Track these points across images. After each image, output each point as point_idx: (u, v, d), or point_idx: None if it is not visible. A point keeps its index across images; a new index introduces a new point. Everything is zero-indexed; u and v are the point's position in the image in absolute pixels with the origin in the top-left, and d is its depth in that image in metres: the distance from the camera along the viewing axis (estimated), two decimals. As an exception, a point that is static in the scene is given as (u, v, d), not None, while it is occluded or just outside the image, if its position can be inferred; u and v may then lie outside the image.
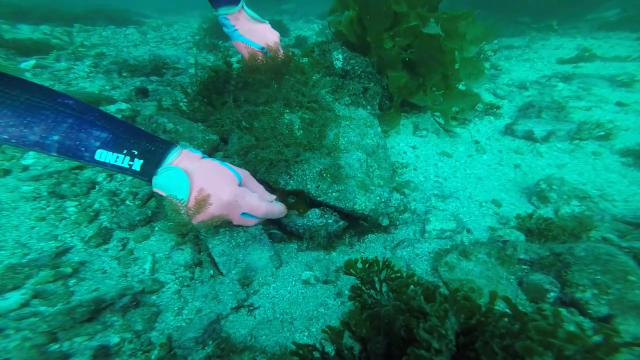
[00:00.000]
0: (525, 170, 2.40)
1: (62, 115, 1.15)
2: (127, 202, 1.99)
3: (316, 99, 2.33)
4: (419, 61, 2.59)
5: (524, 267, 1.59)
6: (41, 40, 5.21)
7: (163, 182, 1.26)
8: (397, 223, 2.17)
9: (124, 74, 4.22)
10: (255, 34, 2.24)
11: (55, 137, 1.14)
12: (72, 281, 1.55)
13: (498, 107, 3.02)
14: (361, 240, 2.21)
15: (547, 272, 1.50)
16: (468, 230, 1.89)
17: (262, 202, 1.50)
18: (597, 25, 5.21)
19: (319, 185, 1.97)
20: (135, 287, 1.57)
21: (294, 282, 1.87)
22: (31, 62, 4.08)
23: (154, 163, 1.25)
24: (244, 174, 1.53)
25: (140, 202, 1.98)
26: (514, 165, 2.46)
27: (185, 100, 2.82)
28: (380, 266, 1.33)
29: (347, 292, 1.86)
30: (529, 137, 2.59)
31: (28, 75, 3.76)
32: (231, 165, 1.42)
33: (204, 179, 1.33)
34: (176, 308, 1.58)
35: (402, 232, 2.10)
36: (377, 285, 1.37)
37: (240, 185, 1.49)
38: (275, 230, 2.20)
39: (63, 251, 1.65)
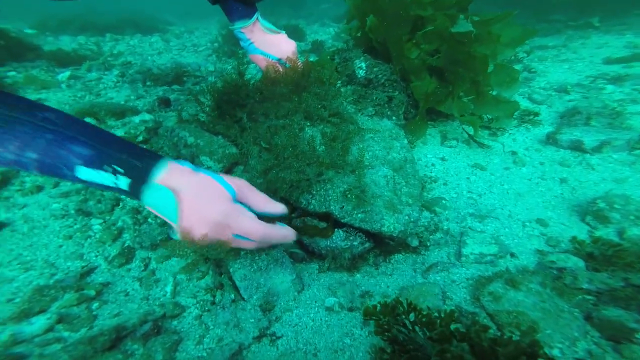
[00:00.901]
0: (573, 185, 2.18)
1: (40, 130, 1.05)
2: (150, 219, 1.99)
3: (338, 111, 2.24)
4: (446, 67, 2.44)
5: (587, 297, 1.42)
6: (76, 51, 5.46)
7: (152, 202, 1.15)
8: (428, 244, 2.03)
9: (148, 83, 4.31)
10: (271, 45, 2.19)
11: (33, 155, 1.05)
12: (95, 304, 1.55)
13: (536, 114, 2.79)
14: (387, 261, 2.10)
15: (626, 307, 1.33)
16: (512, 255, 1.72)
17: (258, 225, 1.25)
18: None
19: (343, 206, 1.88)
20: (156, 312, 1.55)
21: (317, 309, 1.79)
22: (67, 74, 4.26)
23: (142, 180, 1.14)
24: (239, 185, 1.31)
25: (161, 220, 1.97)
26: (560, 179, 2.24)
27: (203, 111, 2.81)
28: (406, 308, 1.22)
29: (363, 317, 1.75)
30: (576, 147, 2.36)
31: (63, 87, 3.92)
32: (225, 178, 1.23)
33: (193, 197, 1.16)
34: (197, 336, 1.54)
35: (434, 254, 1.96)
36: (409, 325, 1.26)
37: (235, 199, 1.29)
38: (297, 249, 2.13)
39: (88, 271, 1.66)
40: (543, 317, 1.33)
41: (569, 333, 1.26)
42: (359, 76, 2.42)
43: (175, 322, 1.57)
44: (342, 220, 1.89)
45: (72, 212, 1.95)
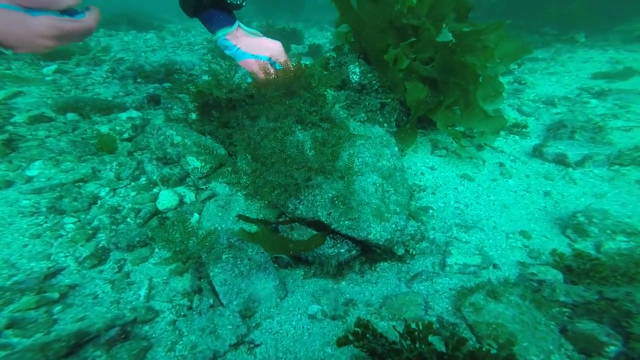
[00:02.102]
0: (556, 198, 2.19)
1: None
2: (129, 219, 1.90)
3: (329, 116, 2.20)
4: (438, 76, 2.43)
5: (564, 310, 1.39)
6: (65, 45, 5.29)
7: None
8: (414, 252, 2.00)
9: (139, 80, 4.21)
10: (259, 47, 2.15)
11: None
12: (57, 308, 1.44)
13: (525, 126, 2.81)
14: (373, 269, 2.05)
15: (599, 320, 1.31)
16: (495, 266, 1.70)
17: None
18: (631, 38, 4.90)
19: (331, 213, 1.83)
20: (126, 317, 1.46)
21: (299, 316, 1.73)
22: (52, 67, 4.12)
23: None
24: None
25: (141, 220, 1.88)
26: (544, 192, 2.25)
27: (195, 110, 2.75)
28: (376, 335, 1.18)
29: (337, 346, 1.70)
30: (560, 161, 2.38)
31: (48, 80, 3.79)
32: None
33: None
34: (169, 342, 1.46)
35: (419, 263, 1.93)
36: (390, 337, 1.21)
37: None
38: (282, 254, 2.06)
39: (54, 273, 1.56)
40: (521, 329, 1.30)
41: (545, 346, 1.23)
42: (353, 81, 2.40)
43: (146, 328, 1.48)
44: (331, 227, 1.84)
45: (44, 209, 1.84)
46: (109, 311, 1.45)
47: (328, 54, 2.78)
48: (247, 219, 1.84)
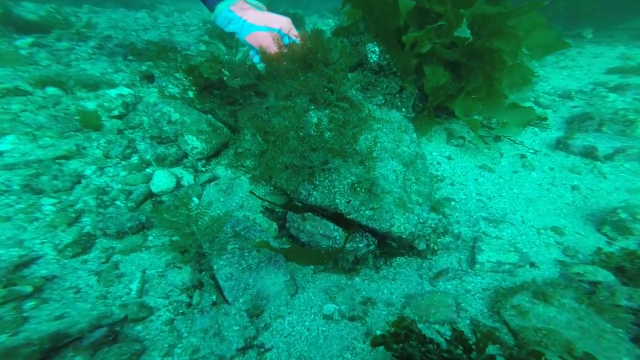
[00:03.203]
0: (585, 193, 2.04)
1: None
2: (118, 202, 1.65)
3: (346, 96, 1.99)
4: (461, 61, 2.24)
5: (625, 316, 1.23)
6: (44, 19, 4.89)
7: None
8: (436, 248, 1.82)
9: (130, 58, 3.91)
10: (267, 19, 1.92)
11: None
12: (29, 303, 1.20)
13: (544, 118, 2.67)
14: (388, 264, 1.86)
15: None
16: (532, 264, 1.54)
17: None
18: (639, 35, 4.85)
19: (350, 201, 1.62)
20: (115, 315, 1.23)
21: (312, 316, 1.53)
22: (28, 40, 3.76)
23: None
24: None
25: (133, 204, 1.64)
26: (572, 186, 2.10)
27: (193, 88, 2.49)
28: (422, 338, 0.99)
29: (378, 332, 1.51)
30: (588, 154, 2.23)
31: (23, 53, 3.44)
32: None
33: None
34: (166, 345, 1.24)
35: (442, 260, 1.75)
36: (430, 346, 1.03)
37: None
38: (287, 245, 1.85)
39: (26, 262, 1.31)
40: (581, 337, 1.13)
41: (617, 357, 1.07)
42: (372, 61, 2.18)
43: (139, 328, 1.26)
44: (348, 217, 1.63)
45: (16, 188, 1.57)
46: (94, 308, 1.21)
47: (337, 28, 2.54)
48: (261, 198, 1.60)
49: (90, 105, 2.48)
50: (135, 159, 1.96)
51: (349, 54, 1.90)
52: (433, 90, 2.38)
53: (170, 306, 1.33)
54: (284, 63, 1.89)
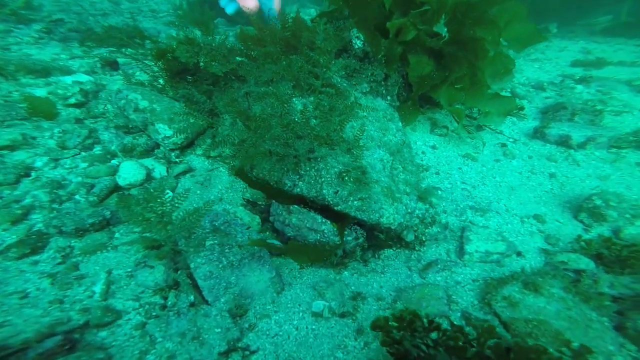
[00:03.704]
0: (561, 180, 2.11)
1: None
2: (77, 196, 1.47)
3: (331, 82, 1.91)
4: (446, 50, 2.23)
5: (609, 304, 1.24)
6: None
7: None
8: (424, 238, 1.79)
9: (88, 44, 3.60)
10: None
11: None
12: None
13: (522, 108, 2.74)
14: (376, 256, 1.81)
15: None
16: (519, 254, 1.54)
17: None
18: (595, 31, 5.17)
19: (338, 191, 1.54)
20: (73, 321, 1.08)
21: (301, 314, 1.44)
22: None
23: None
24: None
25: (96, 198, 1.46)
26: (549, 174, 2.16)
27: (164, 74, 2.30)
28: (426, 324, 0.94)
29: (370, 329, 1.45)
30: (563, 142, 2.31)
31: None
32: None
33: None
34: (137, 352, 1.10)
35: (431, 251, 1.72)
36: (430, 342, 0.97)
37: None
38: (275, 240, 1.75)
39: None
40: (569, 326, 1.13)
41: (603, 346, 1.07)
42: (356, 47, 2.11)
43: (103, 334, 1.11)
44: (336, 208, 1.55)
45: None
46: (47, 314, 1.05)
47: (319, 13, 2.45)
48: (247, 180, 1.48)
49: (40, 92, 2.23)
50: (97, 149, 1.77)
51: (334, 37, 1.81)
52: (418, 79, 2.35)
53: (141, 309, 1.20)
54: (269, 41, 1.77)
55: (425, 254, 1.72)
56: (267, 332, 1.31)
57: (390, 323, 0.93)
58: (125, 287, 1.25)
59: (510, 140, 2.47)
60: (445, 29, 2.26)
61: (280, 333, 1.32)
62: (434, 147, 2.36)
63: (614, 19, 5.49)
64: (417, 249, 1.77)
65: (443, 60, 2.31)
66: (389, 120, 2.02)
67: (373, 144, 1.82)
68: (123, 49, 3.65)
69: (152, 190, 1.54)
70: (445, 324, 1.20)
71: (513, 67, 2.31)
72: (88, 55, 3.33)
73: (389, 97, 2.24)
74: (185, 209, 1.37)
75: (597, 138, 2.18)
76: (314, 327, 1.37)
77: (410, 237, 1.77)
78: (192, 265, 1.30)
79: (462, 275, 1.51)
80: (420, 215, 1.88)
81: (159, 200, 1.27)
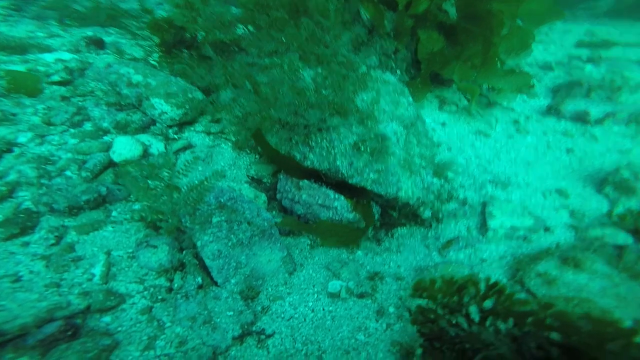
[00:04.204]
0: (580, 155, 2.08)
1: None
2: (68, 172, 1.37)
3: (341, 53, 1.82)
4: (459, 25, 2.16)
5: None
6: None
7: None
8: (440, 215, 1.74)
9: (68, 22, 3.46)
10: None
11: None
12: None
13: (532, 86, 2.70)
14: (390, 235, 1.76)
15: None
16: (547, 229, 1.49)
17: None
18: (598, 13, 5.17)
19: (352, 162, 1.47)
20: (73, 305, 0.99)
21: (316, 295, 1.38)
22: None
23: None
24: None
25: (89, 173, 1.36)
26: (566, 149, 2.13)
27: (157, 49, 2.19)
28: (482, 290, 0.88)
29: (391, 309, 1.40)
30: (580, 118, 2.28)
31: None
32: None
33: None
34: (145, 338, 1.03)
35: (449, 228, 1.67)
36: (475, 315, 0.91)
37: None
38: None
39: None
40: (618, 305, 1.08)
41: None
42: (365, 19, 2.02)
43: (107, 319, 1.03)
44: (350, 181, 1.48)
45: None
46: (44, 298, 0.97)
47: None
48: (264, 144, 1.38)
49: (18, 69, 2.12)
50: (88, 126, 1.67)
51: (343, 7, 1.73)
52: (428, 56, 2.29)
53: (146, 292, 1.12)
54: (275, 8, 1.67)
55: (444, 232, 1.67)
56: (282, 315, 1.25)
57: (437, 286, 0.86)
58: (127, 269, 1.17)
59: (523, 117, 2.44)
60: (454, 9, 2.19)
61: (296, 316, 1.26)
62: (443, 124, 2.31)
63: (618, 2, 5.49)
64: (433, 226, 1.72)
65: (455, 36, 2.25)
66: (399, 94, 1.95)
67: (385, 117, 1.75)
68: (108, 29, 3.51)
69: (150, 165, 1.45)
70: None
71: (532, 41, 2.26)
72: (69, 33, 3.21)
73: (398, 72, 2.17)
74: (188, 184, 1.29)
75: (617, 113, 2.16)
76: (330, 308, 1.31)
77: (427, 213, 1.71)
78: (198, 244, 1.22)
79: (488, 252, 1.46)
80: (435, 191, 1.82)
81: (157, 176, 1.19)
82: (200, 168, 1.55)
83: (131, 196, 1.29)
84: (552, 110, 2.39)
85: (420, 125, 1.87)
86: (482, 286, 0.82)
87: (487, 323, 0.85)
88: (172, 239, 1.24)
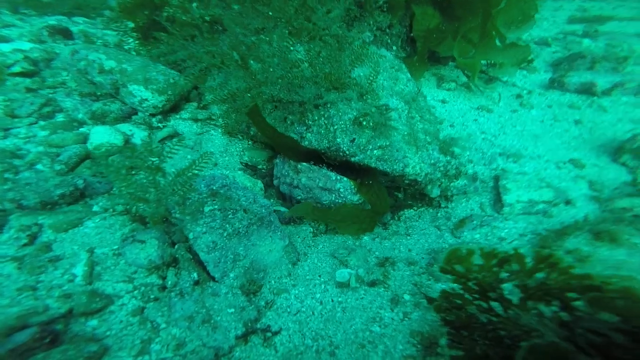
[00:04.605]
0: (589, 126, 2.05)
1: None
2: (40, 166, 1.25)
3: (334, 28, 1.74)
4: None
5: None
6: None
7: None
8: (449, 193, 1.67)
9: (24, 11, 3.30)
10: None
11: None
12: None
13: (531, 60, 2.66)
14: (396, 218, 1.69)
15: None
16: (567, 202, 1.44)
17: None
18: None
19: (354, 139, 1.39)
20: (51, 309, 0.89)
21: (323, 286, 1.30)
22: None
23: None
24: None
25: (64, 166, 1.25)
26: (574, 121, 2.10)
27: (133, 34, 2.07)
28: (531, 264, 0.80)
29: (407, 297, 1.32)
30: (586, 90, 2.26)
31: None
32: None
33: None
34: (138, 341, 0.94)
35: (461, 206, 1.61)
36: (512, 296, 0.83)
37: None
38: (281, 207, 1.59)
39: None
40: None
41: None
42: (354, -12, 1.93)
43: (93, 322, 0.93)
44: (353, 159, 1.40)
45: None
46: (16, 303, 0.87)
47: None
48: (260, 121, 1.28)
49: None
50: (60, 117, 1.55)
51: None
52: (423, 33, 2.23)
53: (136, 291, 1.03)
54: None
55: (455, 211, 1.60)
56: (288, 310, 1.17)
57: (474, 263, 0.78)
58: (113, 267, 1.07)
59: (525, 91, 2.40)
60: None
61: (303, 309, 1.18)
62: (443, 102, 2.25)
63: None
64: (442, 205, 1.65)
65: (451, 10, 2.19)
66: (397, 70, 1.88)
67: (385, 93, 1.67)
68: (74, 18, 3.35)
69: (133, 155, 1.35)
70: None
71: (535, 13, 2.21)
72: (28, 23, 3.06)
73: (394, 47, 2.10)
74: (175, 171, 1.19)
75: (626, 83, 2.13)
76: (340, 299, 1.23)
77: (435, 192, 1.64)
78: (190, 236, 1.13)
79: (506, 230, 1.40)
80: (442, 168, 1.75)
81: (142, 166, 1.08)
82: (189, 157, 1.45)
83: (114, 189, 1.19)
84: (555, 83, 2.35)
85: (422, 101, 1.80)
86: (531, 261, 0.75)
87: (529, 305, 0.78)
88: (161, 232, 1.15)
